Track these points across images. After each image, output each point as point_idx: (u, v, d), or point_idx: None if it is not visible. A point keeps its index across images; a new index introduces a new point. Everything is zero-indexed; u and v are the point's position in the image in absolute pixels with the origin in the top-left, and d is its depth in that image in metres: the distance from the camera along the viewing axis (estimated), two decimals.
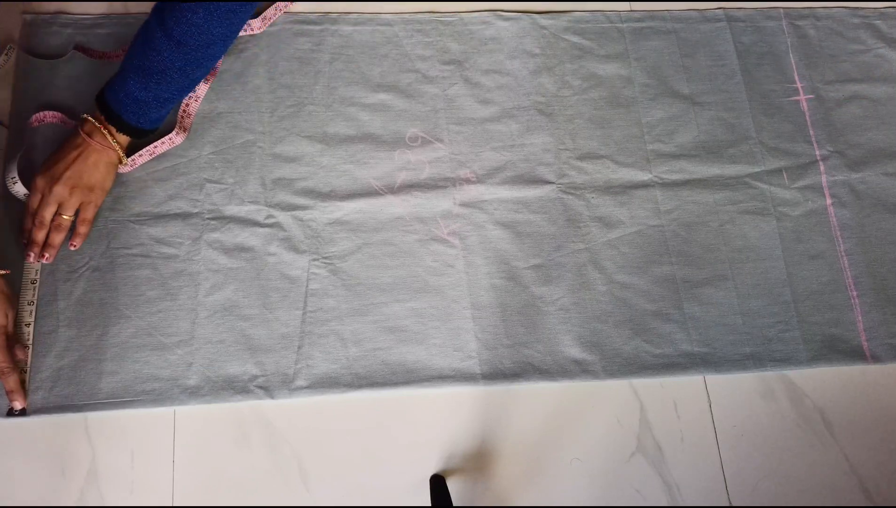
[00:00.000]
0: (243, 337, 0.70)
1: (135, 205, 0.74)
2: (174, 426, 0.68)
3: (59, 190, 0.67)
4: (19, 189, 0.70)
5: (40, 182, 0.68)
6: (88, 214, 0.70)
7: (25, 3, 0.80)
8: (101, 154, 0.68)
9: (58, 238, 0.69)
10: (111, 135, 0.68)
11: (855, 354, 0.76)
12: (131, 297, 0.70)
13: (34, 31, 0.78)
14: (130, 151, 0.72)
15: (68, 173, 0.67)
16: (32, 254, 0.68)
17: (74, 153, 0.68)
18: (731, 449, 0.73)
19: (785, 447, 0.73)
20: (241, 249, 0.73)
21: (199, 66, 0.67)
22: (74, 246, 0.70)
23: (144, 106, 0.67)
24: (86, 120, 0.68)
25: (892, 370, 0.77)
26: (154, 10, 0.64)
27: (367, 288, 0.73)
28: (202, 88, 0.77)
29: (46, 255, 0.69)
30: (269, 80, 0.80)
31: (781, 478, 0.72)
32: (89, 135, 0.68)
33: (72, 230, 0.70)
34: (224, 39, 0.66)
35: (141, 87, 0.65)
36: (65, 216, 0.68)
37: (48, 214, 0.68)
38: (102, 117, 0.68)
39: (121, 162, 0.71)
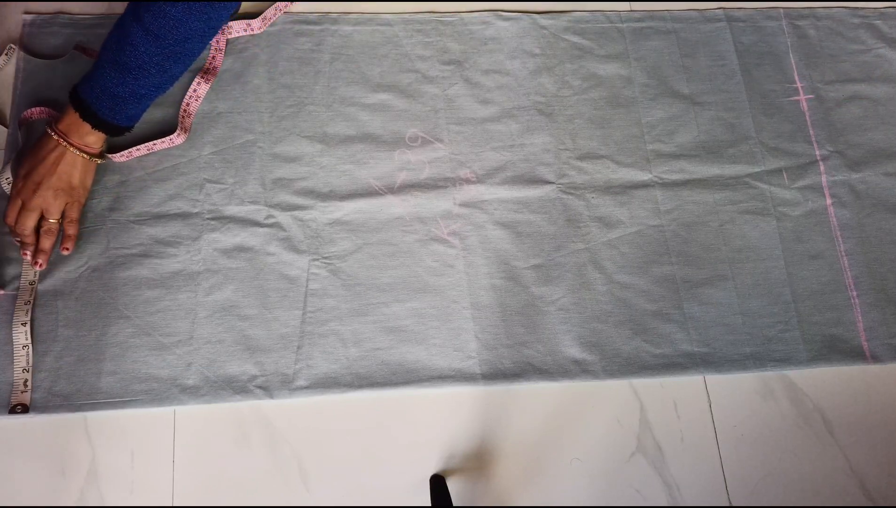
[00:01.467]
0: (243, 337, 0.70)
1: (135, 205, 0.74)
2: (174, 426, 0.68)
3: (42, 195, 0.66)
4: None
5: (21, 186, 0.66)
6: (74, 213, 0.69)
7: (25, 3, 0.80)
8: (76, 156, 0.67)
9: (48, 243, 0.68)
10: (86, 131, 0.66)
11: (855, 354, 0.76)
12: (131, 297, 0.70)
13: (34, 31, 0.78)
14: (112, 147, 0.72)
15: (48, 177, 0.66)
16: (29, 253, 0.68)
17: (52, 156, 0.66)
18: (731, 449, 0.73)
19: (785, 447, 0.73)
20: (241, 249, 0.73)
21: (177, 61, 0.66)
22: (67, 250, 0.69)
23: (121, 102, 0.65)
24: (59, 118, 0.66)
25: (892, 370, 0.77)
26: (129, 6, 0.63)
27: (367, 288, 0.73)
28: (203, 88, 0.77)
29: (39, 261, 0.68)
30: (269, 80, 0.80)
31: (781, 478, 0.72)
32: (65, 134, 0.66)
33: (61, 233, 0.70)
34: (202, 36, 0.65)
35: (117, 82, 0.64)
36: (52, 221, 0.67)
37: (32, 221, 0.67)
38: (77, 114, 0.65)
39: (101, 158, 0.70)
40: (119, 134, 0.69)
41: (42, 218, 0.67)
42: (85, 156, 0.67)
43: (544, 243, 0.77)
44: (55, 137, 0.66)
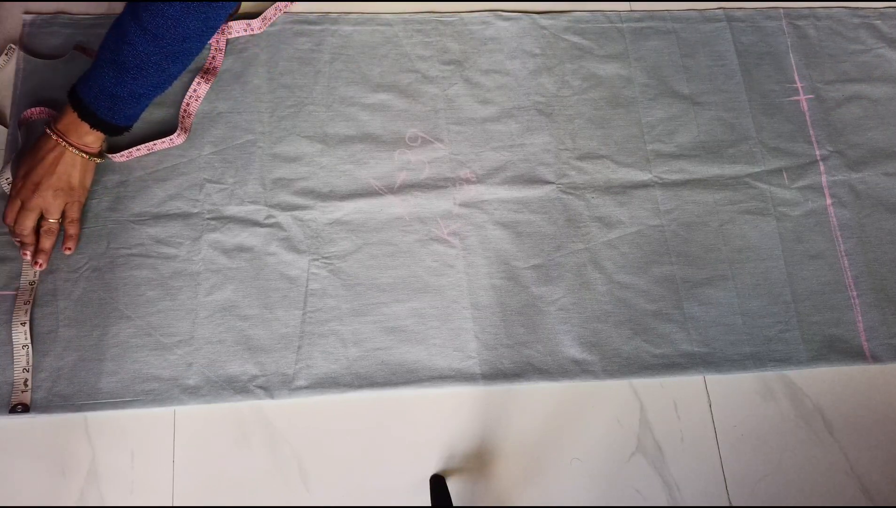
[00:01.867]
0: (243, 337, 0.70)
1: (135, 205, 0.74)
2: (174, 426, 0.68)
3: (41, 195, 0.66)
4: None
5: (20, 189, 0.66)
6: (74, 213, 0.69)
7: (25, 3, 0.80)
8: (76, 156, 0.67)
9: (48, 243, 0.68)
10: (84, 131, 0.66)
11: (855, 354, 0.76)
12: (131, 297, 0.70)
13: (34, 31, 0.79)
14: (112, 147, 0.72)
15: (47, 177, 0.66)
16: (29, 253, 0.68)
17: (51, 156, 0.66)
18: (731, 449, 0.73)
19: (785, 447, 0.73)
20: (241, 249, 0.73)
21: (175, 60, 0.65)
22: (69, 250, 0.69)
23: (119, 102, 0.65)
24: (58, 118, 0.66)
25: (892, 370, 0.77)
26: (127, 6, 0.63)
27: (367, 288, 0.73)
28: (203, 88, 0.77)
29: (39, 261, 0.68)
30: (269, 80, 0.80)
31: (781, 478, 0.72)
32: (63, 134, 0.66)
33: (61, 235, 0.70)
34: (200, 35, 0.65)
35: (115, 81, 0.63)
36: (51, 221, 0.67)
37: (31, 221, 0.67)
38: (75, 114, 0.65)
39: (100, 158, 0.70)
40: (118, 133, 0.69)
41: (42, 218, 0.67)
42: (84, 156, 0.67)
43: (544, 243, 0.77)
44: (54, 136, 0.66)
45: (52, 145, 0.66)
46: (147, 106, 0.69)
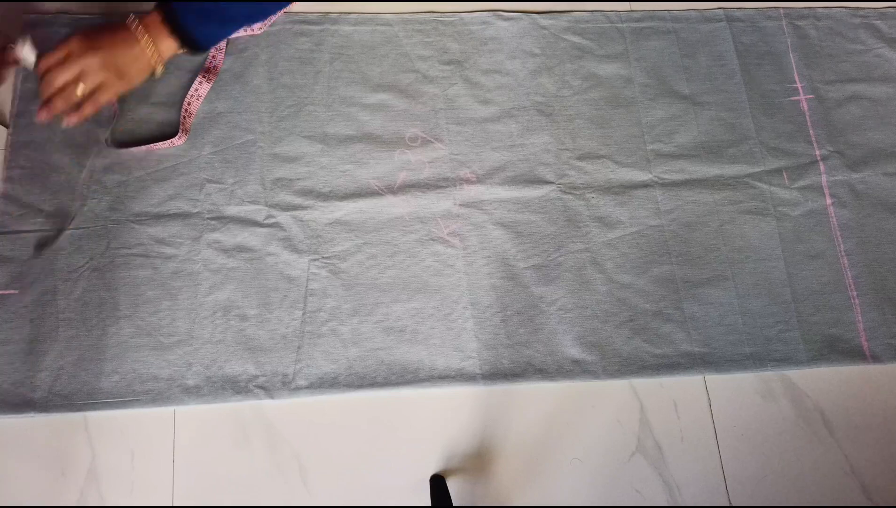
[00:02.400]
0: (243, 337, 0.70)
1: (135, 205, 0.74)
2: (174, 426, 0.68)
3: (90, 59, 0.63)
4: (28, 55, 0.65)
5: (75, 43, 0.63)
6: (103, 98, 0.65)
7: (26, 2, 0.80)
8: (146, 50, 0.64)
9: (61, 104, 0.63)
10: (163, 36, 0.64)
11: (855, 354, 0.76)
12: (131, 297, 0.70)
13: (34, 31, 0.78)
14: (114, 144, 0.72)
15: (107, 48, 0.63)
16: (42, 100, 0.63)
17: (122, 36, 0.64)
18: (731, 449, 0.73)
19: (785, 447, 0.73)
20: (241, 249, 0.73)
21: None
22: (69, 123, 0.64)
23: (206, 19, 0.64)
24: (141, 18, 0.64)
25: (892, 370, 0.77)
26: None
27: (367, 288, 0.73)
28: (204, 88, 0.77)
29: (43, 115, 0.63)
30: (269, 80, 0.80)
31: (781, 478, 0.72)
32: (146, 28, 0.64)
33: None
34: None
35: None
36: (78, 91, 0.63)
37: (65, 77, 0.62)
38: (159, 17, 0.63)
39: (159, 71, 0.67)
40: (193, 51, 0.66)
41: (73, 83, 0.63)
42: (149, 57, 0.64)
43: (544, 243, 0.77)
44: (134, 26, 0.64)
45: (127, 31, 0.64)
46: (229, 35, 0.67)
